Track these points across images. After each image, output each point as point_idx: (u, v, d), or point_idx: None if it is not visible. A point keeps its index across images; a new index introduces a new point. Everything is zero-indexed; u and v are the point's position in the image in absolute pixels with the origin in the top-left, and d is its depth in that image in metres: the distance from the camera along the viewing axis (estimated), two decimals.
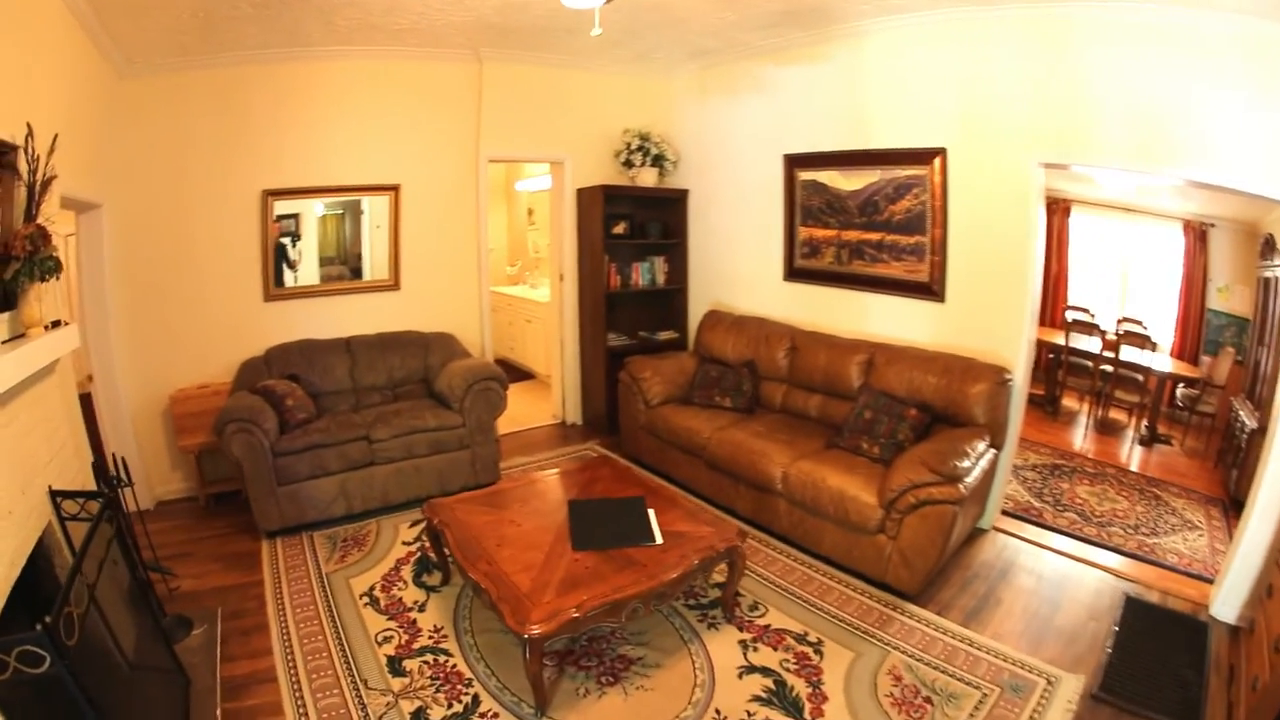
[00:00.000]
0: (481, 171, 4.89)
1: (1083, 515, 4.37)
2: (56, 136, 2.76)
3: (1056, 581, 3.60)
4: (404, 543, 3.96)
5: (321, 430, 4.02)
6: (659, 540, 2.96)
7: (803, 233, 4.74)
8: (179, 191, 4.47)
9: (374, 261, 4.92)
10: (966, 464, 3.27)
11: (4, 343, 2.57)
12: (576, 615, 2.53)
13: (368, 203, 4.77)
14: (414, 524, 4.10)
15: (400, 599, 3.47)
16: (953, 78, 3.93)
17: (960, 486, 3.21)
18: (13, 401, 2.45)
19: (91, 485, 3.07)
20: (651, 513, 3.16)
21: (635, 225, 5.30)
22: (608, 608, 2.61)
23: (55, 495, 2.67)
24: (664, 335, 5.40)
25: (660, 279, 5.42)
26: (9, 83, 2.62)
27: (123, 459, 3.23)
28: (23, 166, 2.64)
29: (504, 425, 5.41)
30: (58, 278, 2.78)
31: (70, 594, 2.05)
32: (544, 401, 6.23)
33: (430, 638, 3.18)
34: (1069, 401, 7.18)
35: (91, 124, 3.84)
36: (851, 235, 4.39)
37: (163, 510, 4.66)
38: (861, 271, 4.39)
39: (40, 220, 2.73)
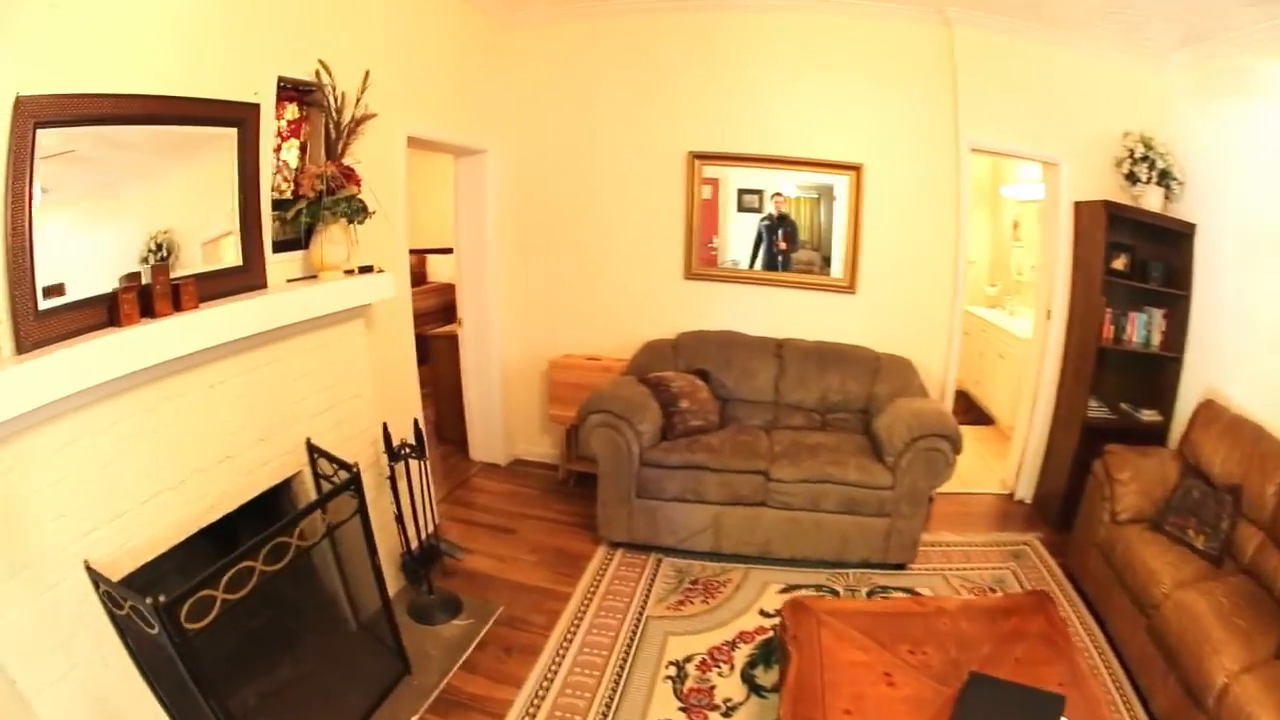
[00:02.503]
0: (964, 162, 4.30)
1: None
2: (368, 74, 2.86)
3: None
4: (762, 611, 3.41)
5: (709, 450, 3.72)
6: None
7: None
8: (583, 145, 4.61)
9: (841, 256, 4.56)
10: None
11: (288, 281, 2.73)
12: None
13: (841, 188, 4.44)
14: (787, 589, 3.55)
15: (711, 688, 2.93)
16: None
17: None
18: (270, 346, 2.58)
19: (404, 439, 3.25)
20: None
21: (1135, 262, 4.35)
22: None
23: (313, 451, 2.76)
24: (1147, 415, 4.37)
25: (1156, 339, 4.38)
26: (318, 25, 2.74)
27: (416, 423, 3.32)
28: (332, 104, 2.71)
29: None
30: (360, 222, 2.84)
31: (218, 581, 2.05)
32: (997, 460, 5.41)
33: None
34: None
35: (466, 71, 4.15)
36: None
37: (515, 470, 5.03)
38: None
39: (347, 160, 2.79)
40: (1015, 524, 4.53)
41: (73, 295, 1.97)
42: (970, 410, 6.54)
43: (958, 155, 4.35)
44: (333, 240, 2.79)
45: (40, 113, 1.86)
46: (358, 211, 2.81)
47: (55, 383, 1.80)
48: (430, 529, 3.53)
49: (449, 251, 5.43)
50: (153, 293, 2.09)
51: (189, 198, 2.37)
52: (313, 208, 2.66)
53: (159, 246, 2.28)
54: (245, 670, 2.62)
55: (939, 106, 4.28)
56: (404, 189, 3.48)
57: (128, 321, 2.03)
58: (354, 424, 3.10)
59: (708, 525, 3.76)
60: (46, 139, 1.97)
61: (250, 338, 2.42)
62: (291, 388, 2.71)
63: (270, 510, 2.80)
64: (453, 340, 4.89)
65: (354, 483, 2.65)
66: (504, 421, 4.96)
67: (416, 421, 3.32)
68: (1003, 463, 5.23)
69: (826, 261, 4.56)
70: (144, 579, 2.18)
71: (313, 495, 2.83)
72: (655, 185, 4.58)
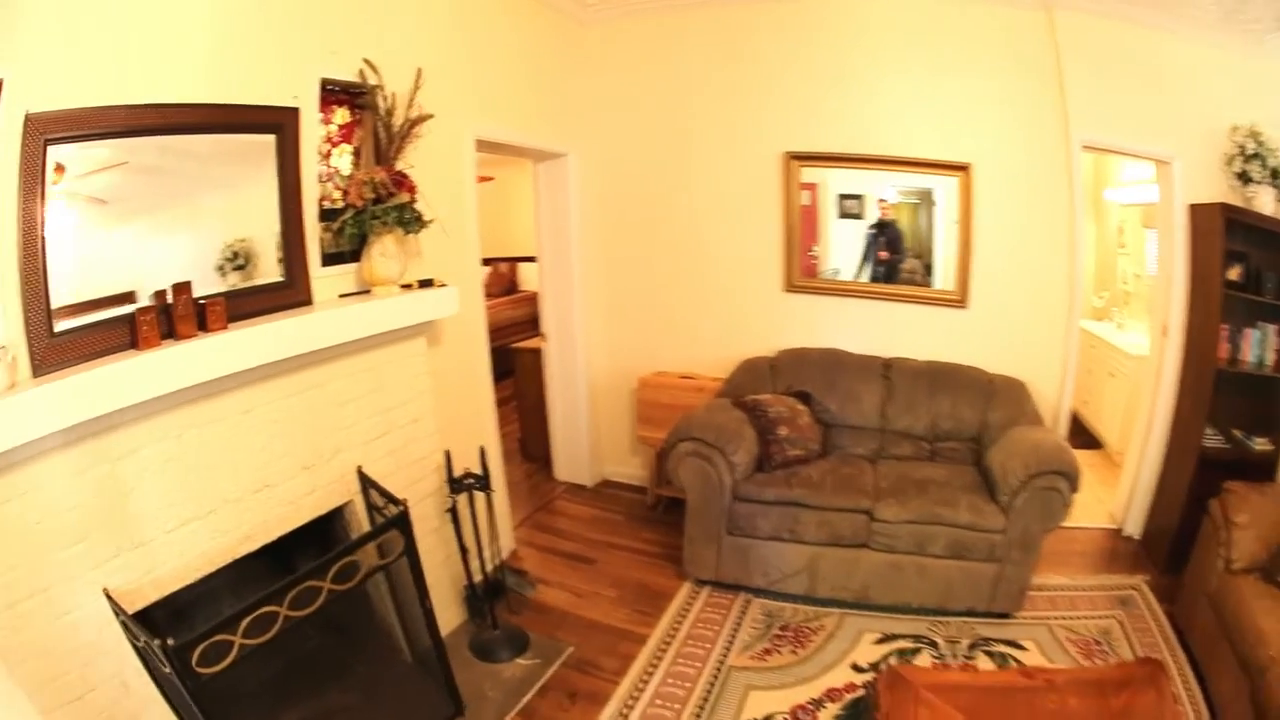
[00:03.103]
0: (1075, 161, 3.99)
1: None
2: (420, 72, 2.67)
3: None
4: (854, 665, 3.11)
5: (809, 485, 3.47)
6: None
7: None
8: (671, 147, 4.37)
9: (946, 267, 4.25)
10: None
11: (340, 296, 2.61)
12: None
13: (941, 192, 4.16)
14: (883, 639, 3.29)
15: None
16: None
17: None
18: (314, 368, 2.47)
19: (470, 468, 3.08)
20: None
21: (1249, 271, 3.97)
22: None
23: (365, 481, 2.63)
24: (1259, 444, 4.00)
25: (1269, 358, 4.02)
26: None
27: (482, 453, 3.12)
28: (381, 105, 2.57)
29: None
30: (415, 232, 2.67)
31: (236, 627, 1.92)
32: (1105, 488, 4.92)
33: None
34: None
35: (539, 70, 3.98)
36: None
37: (601, 492, 4.79)
38: None
39: (401, 165, 2.64)
40: (1122, 564, 4.13)
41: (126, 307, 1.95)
42: (1078, 433, 6.00)
43: (1069, 153, 3.99)
44: (385, 252, 2.64)
45: (51, 129, 1.79)
46: (411, 221, 2.64)
47: (60, 411, 1.72)
48: (498, 560, 3.32)
49: None
50: (174, 313, 1.97)
51: (262, 206, 2.35)
52: (358, 218, 2.51)
53: (235, 255, 2.30)
54: (288, 695, 2.53)
55: (1045, 99, 3.95)
56: (474, 195, 3.32)
57: (146, 345, 1.92)
58: (413, 451, 2.94)
59: (803, 567, 3.45)
60: (99, 151, 1.94)
61: (289, 360, 2.29)
62: (339, 413, 2.58)
63: (326, 536, 2.70)
64: (537, 354, 4.73)
65: (400, 521, 2.45)
66: (591, 441, 4.74)
67: (483, 450, 3.11)
68: (1112, 493, 4.79)
69: (928, 270, 4.25)
70: (188, 597, 2.15)
71: (365, 525, 2.69)
72: (750, 189, 4.28)
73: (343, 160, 2.59)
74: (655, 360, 4.56)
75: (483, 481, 3.06)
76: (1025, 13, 3.85)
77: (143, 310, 1.91)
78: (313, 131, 2.40)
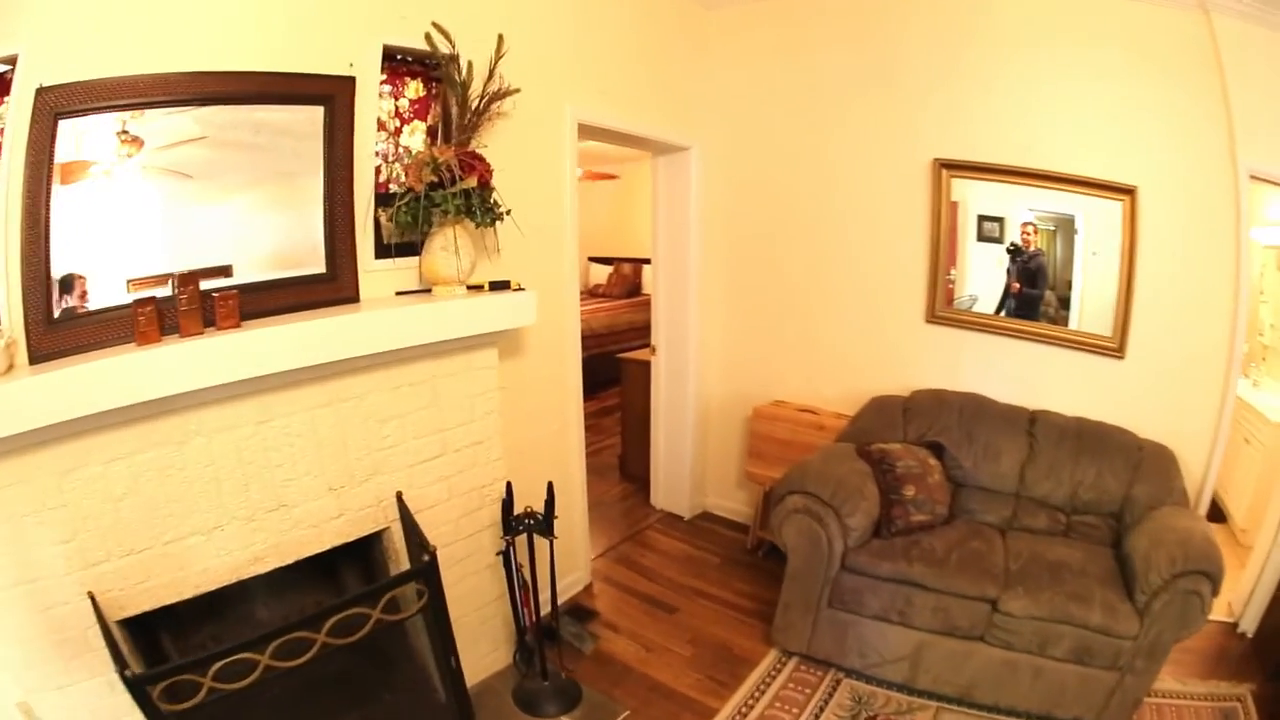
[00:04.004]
0: (1242, 191, 3.52)
1: None
2: (501, 39, 2.30)
3: None
4: None
5: (930, 562, 3.08)
6: None
7: None
8: (804, 145, 3.94)
9: (1084, 305, 3.74)
10: None
11: (397, 294, 2.36)
12: None
13: (1083, 218, 3.68)
14: None
15: None
16: None
17: None
18: (349, 377, 2.23)
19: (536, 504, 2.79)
20: None
21: None
22: None
23: (405, 510, 2.37)
24: None
25: None
26: None
27: (550, 490, 2.74)
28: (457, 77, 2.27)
29: None
30: (488, 224, 2.36)
31: (205, 669, 1.73)
32: (1227, 572, 4.13)
33: None
34: None
35: (659, 53, 3.64)
36: None
37: (699, 526, 4.35)
38: None
39: (475, 145, 2.33)
40: (1230, 668, 3.58)
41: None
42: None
43: (1235, 182, 3.47)
44: (446, 246, 2.32)
45: (63, 103, 1.64)
46: (481, 211, 2.31)
47: (45, 406, 1.58)
48: (551, 607, 2.98)
49: None
50: (177, 308, 1.73)
51: None
52: (414, 204, 2.20)
53: None
54: (302, 715, 2.34)
55: (1208, 118, 3.43)
56: (573, 187, 2.98)
57: (144, 340, 1.72)
58: (472, 478, 2.64)
59: (906, 654, 3.09)
60: (180, 123, 1.83)
61: (315, 367, 2.03)
62: (379, 430, 2.31)
63: (367, 555, 2.48)
64: (646, 367, 4.39)
65: (425, 572, 2.12)
66: (694, 468, 4.33)
67: (550, 487, 2.73)
68: (1233, 580, 4.10)
69: (1064, 304, 3.78)
70: (218, 594, 2.02)
71: (403, 555, 2.44)
72: (893, 200, 3.77)
73: (414, 139, 2.32)
74: (773, 388, 4.11)
75: (543, 524, 2.69)
76: (1183, 13, 3.34)
77: (140, 302, 1.70)
78: (371, 104, 2.14)
